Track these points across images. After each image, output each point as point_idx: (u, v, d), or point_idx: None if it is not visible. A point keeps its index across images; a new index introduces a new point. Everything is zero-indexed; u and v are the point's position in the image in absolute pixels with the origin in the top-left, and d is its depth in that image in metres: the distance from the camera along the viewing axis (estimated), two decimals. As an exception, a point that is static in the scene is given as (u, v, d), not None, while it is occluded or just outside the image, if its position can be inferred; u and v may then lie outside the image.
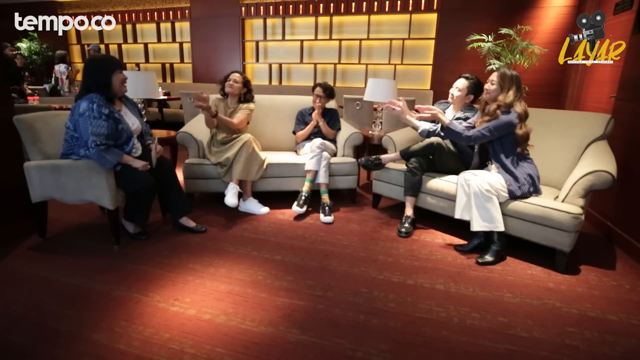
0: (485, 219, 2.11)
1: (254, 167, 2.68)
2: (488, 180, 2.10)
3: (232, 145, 2.71)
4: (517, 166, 2.16)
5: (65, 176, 2.07)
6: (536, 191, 2.17)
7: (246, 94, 2.94)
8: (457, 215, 2.28)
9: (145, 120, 3.19)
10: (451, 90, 2.64)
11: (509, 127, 2.13)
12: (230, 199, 2.60)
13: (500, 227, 2.10)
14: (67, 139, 2.09)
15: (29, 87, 6.31)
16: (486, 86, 2.25)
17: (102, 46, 7.71)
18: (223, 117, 2.71)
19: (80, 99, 2.03)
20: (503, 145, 2.19)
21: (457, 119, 2.56)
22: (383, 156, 2.75)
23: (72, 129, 2.05)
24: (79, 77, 6.50)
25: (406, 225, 2.47)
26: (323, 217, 2.68)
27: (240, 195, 2.75)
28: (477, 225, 2.13)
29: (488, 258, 2.12)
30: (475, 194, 2.11)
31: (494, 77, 2.21)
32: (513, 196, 2.13)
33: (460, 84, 2.59)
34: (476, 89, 2.57)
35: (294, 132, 3.22)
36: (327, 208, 2.70)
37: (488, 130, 2.15)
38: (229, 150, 2.70)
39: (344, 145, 3.04)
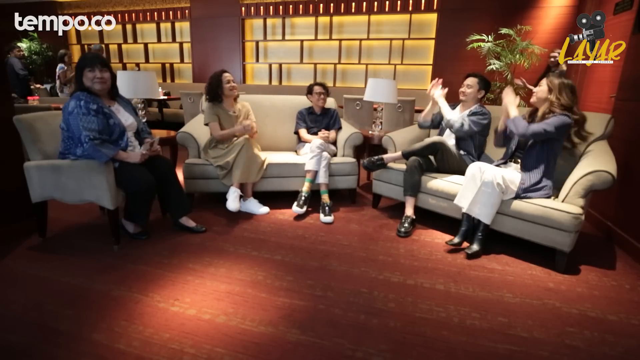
0: (481, 208, 2.14)
1: (254, 168, 2.68)
2: (503, 174, 2.12)
3: (231, 148, 2.71)
4: (547, 173, 2.15)
5: (65, 176, 2.08)
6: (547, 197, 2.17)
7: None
8: (456, 201, 2.29)
9: (145, 120, 3.19)
10: (462, 89, 2.67)
11: (567, 127, 2.09)
12: (232, 203, 2.59)
13: (488, 221, 2.16)
14: (64, 139, 2.10)
15: (36, 84, 6.32)
16: (535, 89, 2.24)
17: (103, 46, 7.72)
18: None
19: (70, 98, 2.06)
20: (554, 148, 2.15)
21: (468, 112, 2.64)
22: (385, 156, 2.76)
23: (66, 129, 2.06)
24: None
25: (405, 225, 2.47)
26: (323, 217, 2.68)
27: (241, 197, 2.75)
28: (467, 208, 2.18)
29: (475, 247, 2.16)
30: (485, 183, 2.12)
31: (543, 81, 2.20)
32: (519, 196, 2.14)
33: (471, 81, 2.64)
34: (485, 84, 2.64)
35: (296, 132, 3.22)
36: (327, 208, 2.70)
37: (548, 125, 2.07)
38: (229, 154, 2.69)
39: (344, 145, 3.04)
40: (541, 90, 2.18)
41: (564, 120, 2.07)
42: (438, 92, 2.69)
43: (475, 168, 2.24)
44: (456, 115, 2.60)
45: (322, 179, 2.78)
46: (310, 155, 2.80)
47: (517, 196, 2.14)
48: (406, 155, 2.63)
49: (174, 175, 2.39)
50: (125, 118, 2.22)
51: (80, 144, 2.02)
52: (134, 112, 2.33)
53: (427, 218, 2.68)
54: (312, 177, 2.79)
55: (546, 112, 2.14)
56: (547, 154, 2.15)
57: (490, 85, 2.70)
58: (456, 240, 2.25)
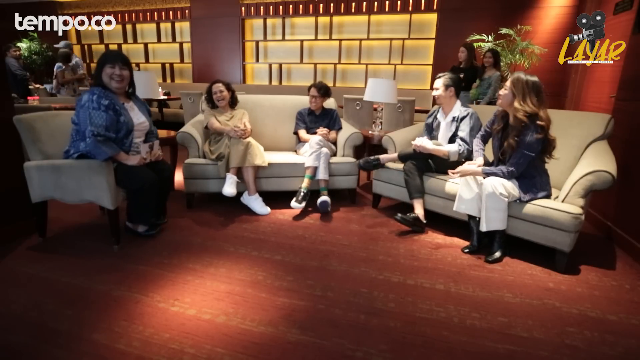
0: (497, 220, 2.11)
1: (250, 152, 2.68)
2: (503, 183, 2.08)
3: (224, 138, 2.77)
4: (531, 176, 2.13)
5: (65, 176, 2.08)
6: (546, 198, 2.15)
7: (232, 96, 3.03)
8: (455, 208, 2.29)
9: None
10: (433, 94, 2.67)
11: (540, 141, 2.03)
12: (228, 188, 2.62)
13: (503, 227, 2.14)
14: (72, 134, 2.11)
15: (35, 84, 6.29)
16: (499, 92, 2.18)
17: (102, 46, 7.72)
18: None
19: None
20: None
21: (453, 120, 2.61)
22: (382, 156, 2.76)
23: (77, 122, 2.08)
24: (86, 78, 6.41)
25: (408, 215, 2.45)
26: (320, 198, 2.72)
27: (244, 192, 2.77)
28: (489, 226, 2.13)
29: (497, 255, 2.14)
30: (489, 196, 2.09)
31: (507, 82, 2.12)
32: (524, 200, 2.12)
33: (436, 84, 2.63)
34: (452, 82, 2.60)
35: (295, 133, 3.22)
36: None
37: (523, 155, 2.05)
38: (223, 141, 2.75)
39: (344, 145, 3.04)
40: (505, 96, 2.10)
41: (535, 138, 2.01)
42: (428, 143, 2.52)
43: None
44: (451, 148, 2.52)
45: (321, 175, 2.78)
46: (309, 152, 2.80)
47: (521, 201, 2.13)
48: (402, 158, 2.63)
49: (172, 183, 2.39)
50: (138, 117, 2.24)
51: (84, 138, 2.03)
52: (148, 114, 2.35)
53: (427, 218, 2.67)
54: (311, 174, 2.79)
55: (516, 123, 2.06)
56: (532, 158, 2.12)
57: (458, 81, 2.66)
58: (474, 248, 2.25)
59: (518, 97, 2.06)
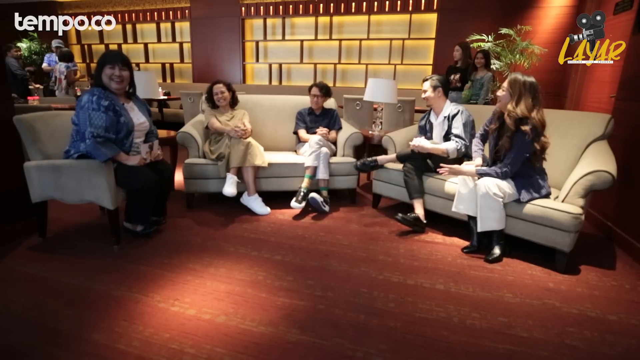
0: (493, 220, 2.12)
1: (250, 152, 2.68)
2: (497, 183, 2.09)
3: (224, 138, 2.78)
4: (528, 175, 2.12)
5: (65, 176, 2.08)
6: (545, 197, 2.15)
7: (233, 96, 3.03)
8: (453, 208, 2.30)
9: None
10: (422, 96, 2.70)
11: (531, 143, 2.03)
12: (228, 188, 2.62)
13: (502, 227, 2.14)
14: (73, 134, 2.11)
15: (35, 84, 6.28)
16: (497, 93, 2.18)
17: (102, 46, 7.72)
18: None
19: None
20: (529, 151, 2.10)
21: (444, 119, 2.64)
22: (379, 157, 2.76)
23: (76, 123, 2.08)
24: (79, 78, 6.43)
25: (408, 215, 2.46)
26: (309, 194, 2.71)
27: (244, 192, 2.77)
28: (484, 226, 2.13)
29: (496, 254, 2.14)
30: (483, 196, 2.09)
31: (505, 83, 2.12)
32: (520, 200, 2.12)
33: (424, 86, 2.68)
34: (439, 82, 2.65)
35: (295, 132, 3.22)
36: (323, 199, 2.73)
37: (516, 155, 2.05)
38: (224, 141, 2.76)
39: (344, 145, 3.04)
40: (503, 97, 2.10)
41: (524, 139, 2.01)
42: (426, 142, 2.55)
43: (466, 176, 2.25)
44: (449, 145, 2.54)
45: (321, 174, 2.78)
46: (309, 152, 2.81)
47: (520, 202, 2.12)
48: (400, 159, 2.64)
49: (172, 183, 2.39)
50: (138, 118, 2.24)
51: (84, 139, 2.03)
52: (148, 114, 2.35)
53: (427, 218, 2.67)
54: (311, 173, 2.79)
55: (511, 124, 2.05)
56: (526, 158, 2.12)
57: (446, 81, 2.73)
58: (474, 248, 2.25)
59: (513, 98, 2.06)
